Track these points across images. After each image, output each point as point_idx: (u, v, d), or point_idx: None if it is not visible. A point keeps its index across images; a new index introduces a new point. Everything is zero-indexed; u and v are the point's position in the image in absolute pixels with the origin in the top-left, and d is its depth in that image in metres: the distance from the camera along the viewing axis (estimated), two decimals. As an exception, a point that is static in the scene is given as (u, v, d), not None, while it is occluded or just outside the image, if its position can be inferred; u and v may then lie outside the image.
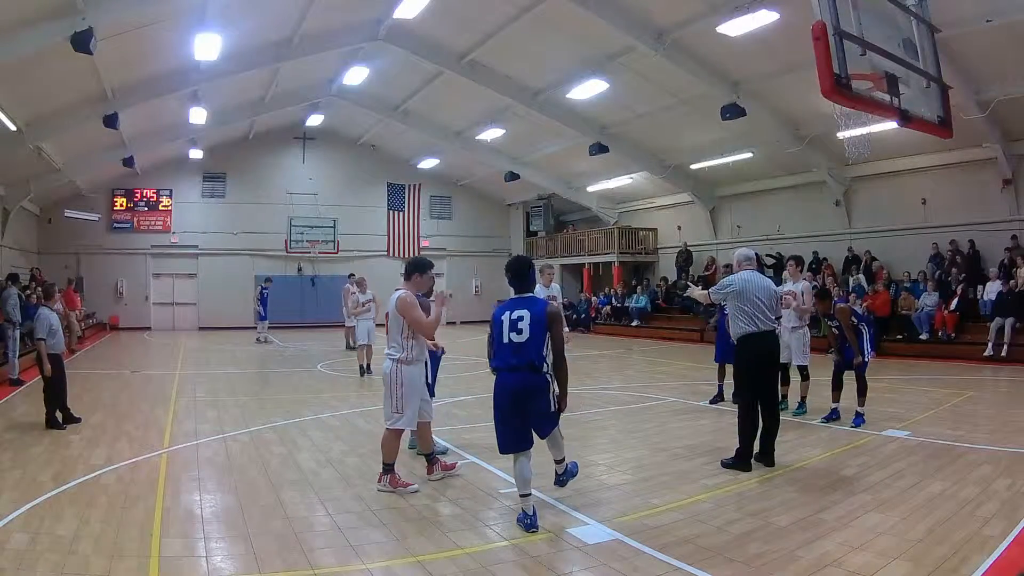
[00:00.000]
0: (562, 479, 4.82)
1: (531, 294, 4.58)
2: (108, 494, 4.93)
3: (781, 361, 7.96)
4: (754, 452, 5.70)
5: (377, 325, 11.63)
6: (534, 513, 4.30)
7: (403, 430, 5.26)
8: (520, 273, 4.59)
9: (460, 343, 16.80)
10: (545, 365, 4.37)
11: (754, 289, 5.75)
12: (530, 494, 4.36)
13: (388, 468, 5.19)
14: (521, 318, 4.34)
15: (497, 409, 4.46)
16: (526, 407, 4.34)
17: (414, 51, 16.47)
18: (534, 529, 4.23)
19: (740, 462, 5.62)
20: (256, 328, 19.87)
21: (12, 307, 10.79)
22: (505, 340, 4.37)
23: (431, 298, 5.50)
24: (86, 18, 10.51)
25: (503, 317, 4.42)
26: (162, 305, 24.36)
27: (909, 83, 5.67)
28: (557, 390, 4.44)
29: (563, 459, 4.77)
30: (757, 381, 5.76)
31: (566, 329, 5.04)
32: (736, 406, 8.29)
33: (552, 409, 4.40)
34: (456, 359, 13.28)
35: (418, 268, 5.50)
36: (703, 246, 21.77)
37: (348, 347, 16.02)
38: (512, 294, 4.59)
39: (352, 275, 14.71)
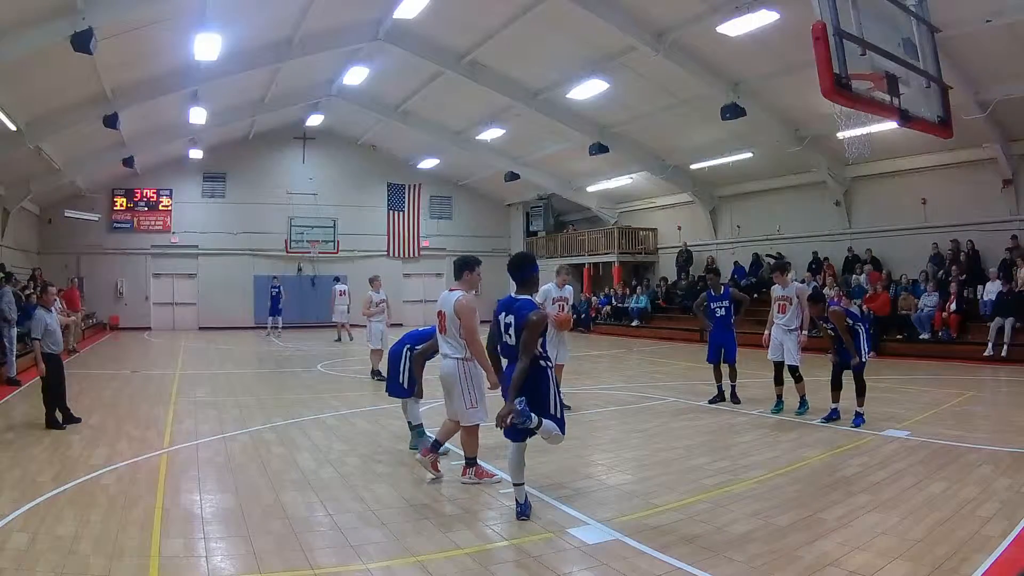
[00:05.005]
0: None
1: (526, 296, 4.61)
2: (108, 494, 4.93)
3: (777, 360, 8.02)
4: None
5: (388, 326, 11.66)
6: (525, 502, 4.44)
7: (480, 424, 5.25)
8: (517, 268, 4.71)
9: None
10: (541, 352, 4.42)
11: None
12: (522, 483, 4.46)
13: (472, 461, 5.27)
14: (509, 324, 4.52)
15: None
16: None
17: (414, 51, 16.46)
18: (524, 517, 4.37)
19: None
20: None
21: (7, 306, 10.78)
22: (505, 339, 4.60)
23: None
24: (86, 18, 10.50)
25: (500, 318, 4.61)
26: (162, 305, 24.33)
27: (909, 83, 5.65)
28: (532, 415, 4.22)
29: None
30: None
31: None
32: (734, 405, 8.46)
33: (522, 422, 4.13)
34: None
35: (468, 265, 5.34)
36: (703, 246, 21.76)
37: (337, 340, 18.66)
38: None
39: (337, 279, 14.87)
